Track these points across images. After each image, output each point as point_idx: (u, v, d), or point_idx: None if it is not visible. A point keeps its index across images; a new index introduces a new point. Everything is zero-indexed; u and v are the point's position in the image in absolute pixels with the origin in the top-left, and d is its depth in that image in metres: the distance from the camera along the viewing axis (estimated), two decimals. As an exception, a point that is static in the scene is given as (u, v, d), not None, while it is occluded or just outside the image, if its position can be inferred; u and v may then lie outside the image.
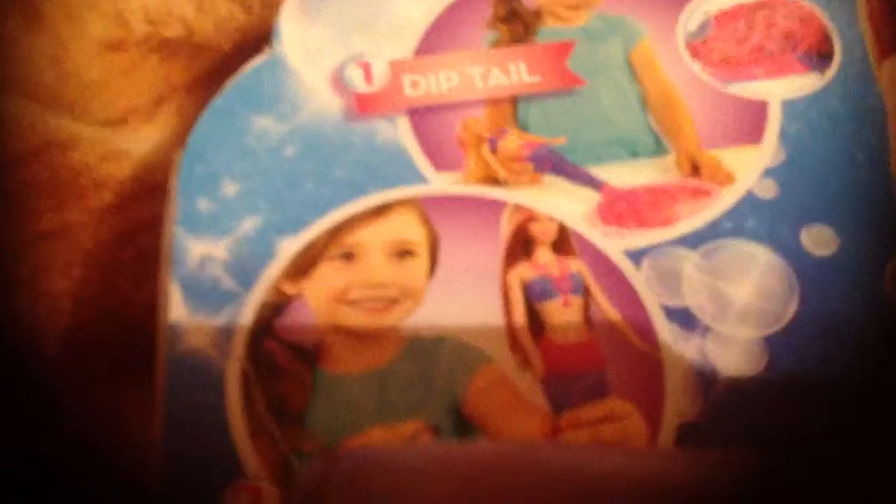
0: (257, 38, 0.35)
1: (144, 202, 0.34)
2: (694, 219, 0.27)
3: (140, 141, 0.35)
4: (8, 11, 0.37)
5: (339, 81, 0.29)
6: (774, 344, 0.25)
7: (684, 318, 0.26)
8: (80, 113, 0.36)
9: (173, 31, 0.36)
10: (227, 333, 0.26)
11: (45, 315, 0.33)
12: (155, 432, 0.24)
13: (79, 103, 0.36)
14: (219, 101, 0.30)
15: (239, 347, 0.25)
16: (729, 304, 0.26)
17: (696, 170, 0.28)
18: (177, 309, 0.26)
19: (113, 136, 0.35)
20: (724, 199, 0.27)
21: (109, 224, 0.34)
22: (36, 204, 0.34)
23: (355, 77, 0.29)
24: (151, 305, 0.31)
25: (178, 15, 0.36)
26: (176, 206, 0.28)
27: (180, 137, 0.33)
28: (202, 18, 0.36)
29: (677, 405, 0.25)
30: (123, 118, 0.36)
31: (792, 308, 0.26)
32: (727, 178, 0.28)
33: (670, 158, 0.28)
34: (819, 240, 0.27)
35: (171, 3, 0.36)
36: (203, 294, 0.26)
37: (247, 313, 0.26)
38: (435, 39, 0.30)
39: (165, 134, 0.35)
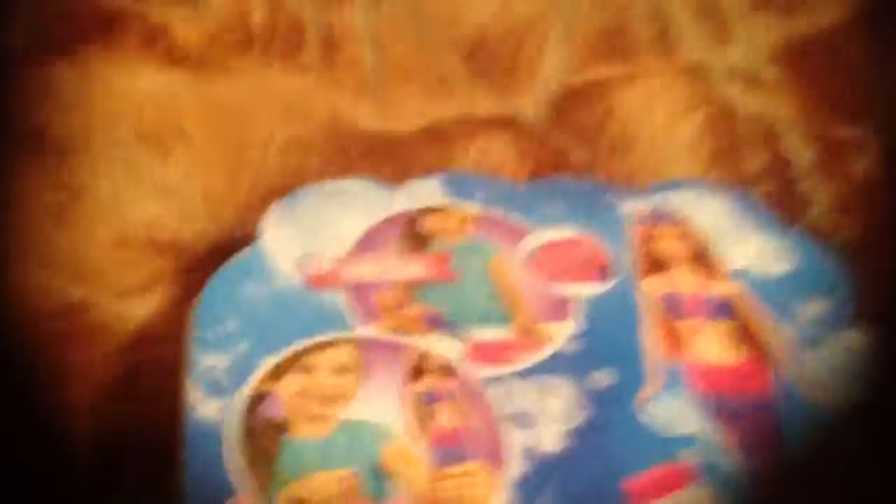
0: (226, 243, 0.51)
1: (145, 348, 0.48)
2: (526, 361, 0.44)
3: (143, 307, 0.49)
4: (39, 212, 0.52)
5: (300, 265, 0.45)
6: (570, 436, 0.41)
7: (519, 419, 0.41)
8: (94, 287, 0.50)
9: (162, 238, 0.51)
10: (226, 410, 0.40)
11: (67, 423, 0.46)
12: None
13: (93, 280, 0.50)
14: (221, 272, 0.45)
15: (235, 418, 0.39)
16: (546, 412, 0.42)
17: (528, 334, 0.45)
18: (193, 395, 0.40)
19: (121, 303, 0.49)
20: (546, 350, 0.44)
21: (121, 364, 0.47)
22: (62, 350, 0.48)
23: (311, 263, 0.45)
24: (155, 420, 0.45)
25: (168, 227, 0.51)
26: (192, 336, 0.42)
27: (175, 305, 0.48)
28: (184, 230, 0.52)
29: (511, 468, 0.40)
30: (129, 292, 0.50)
31: (582, 416, 0.42)
32: (548, 339, 0.44)
33: (512, 326, 0.45)
34: (601, 377, 0.43)
35: (163, 218, 0.52)
36: (211, 387, 0.40)
37: (239, 399, 0.40)
38: (365, 244, 0.47)
39: (163, 303, 0.49)
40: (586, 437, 0.41)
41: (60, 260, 0.50)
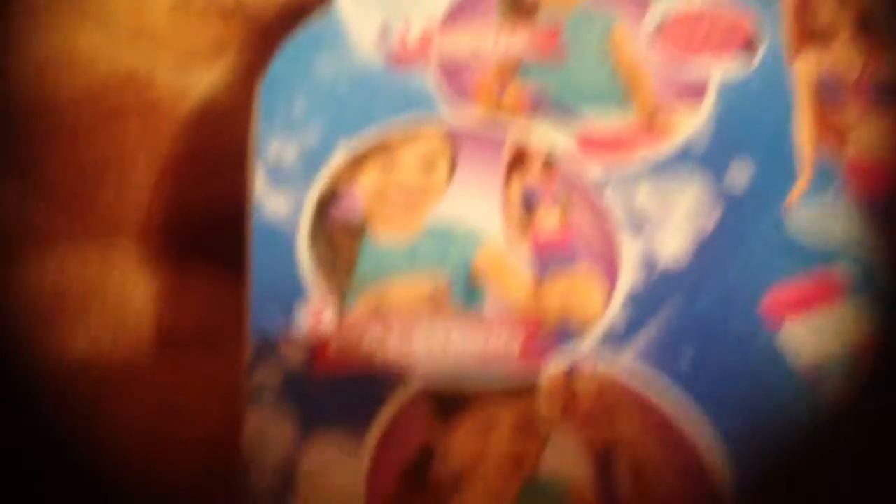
0: (297, 6, 0.44)
1: (205, 127, 0.43)
2: (648, 155, 0.37)
3: (205, 80, 0.43)
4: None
5: (382, 37, 0.38)
6: (699, 245, 0.35)
7: (637, 224, 0.35)
8: (152, 55, 0.44)
9: (226, 1, 0.44)
10: (296, 206, 0.34)
11: (126, 207, 0.41)
12: (246, 268, 0.33)
13: (152, 47, 0.44)
14: (290, 42, 0.38)
15: (306, 217, 0.34)
16: (670, 216, 0.35)
17: (652, 121, 0.37)
18: (260, 186, 0.34)
19: (181, 74, 0.44)
20: (671, 143, 0.37)
21: (182, 142, 0.42)
22: (125, 124, 0.43)
23: (396, 35, 0.38)
24: (212, 205, 0.40)
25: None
26: (258, 114, 0.36)
27: (240, 78, 0.42)
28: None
29: (627, 280, 0.34)
30: (189, 62, 0.44)
31: (713, 221, 0.35)
32: (674, 128, 0.37)
33: (633, 112, 0.38)
34: (738, 176, 0.36)
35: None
36: (279, 177, 0.35)
37: (311, 195, 0.35)
38: (458, 13, 0.39)
39: (225, 76, 0.43)
40: (718, 246, 0.34)
41: (117, 22, 0.44)
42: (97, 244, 0.40)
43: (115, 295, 0.39)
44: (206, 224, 0.40)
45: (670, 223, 0.35)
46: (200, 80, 0.43)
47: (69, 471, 0.34)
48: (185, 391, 0.36)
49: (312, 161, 0.35)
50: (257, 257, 0.33)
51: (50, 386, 0.35)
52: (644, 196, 0.36)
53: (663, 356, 0.32)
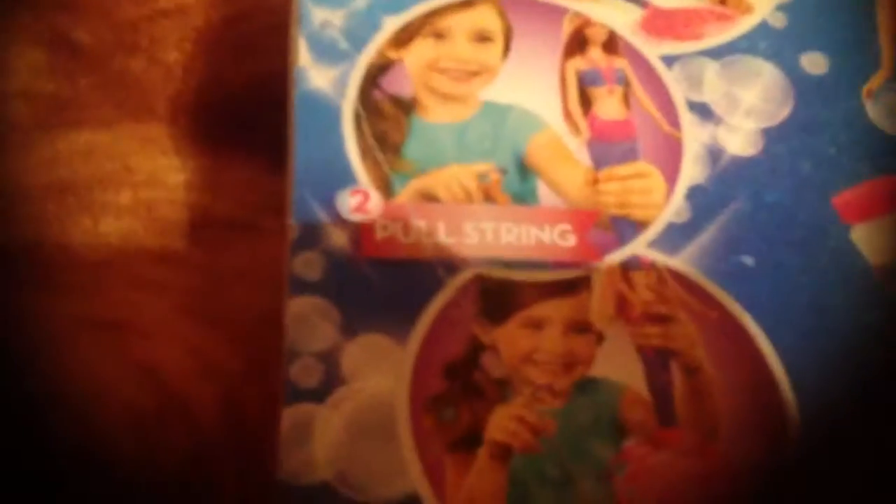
0: None
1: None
2: (718, 37, 0.34)
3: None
4: None
5: None
6: (770, 135, 0.32)
7: (703, 111, 0.33)
8: None
9: None
10: (342, 81, 0.32)
11: (158, 80, 0.39)
12: (288, 148, 0.31)
13: None
14: None
15: (352, 92, 0.32)
16: (738, 103, 0.33)
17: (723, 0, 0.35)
18: (304, 57, 0.32)
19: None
20: (744, 24, 0.34)
21: (217, 9, 0.40)
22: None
23: None
24: (249, 80, 0.38)
25: None
26: (301, -20, 0.34)
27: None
28: None
29: (690, 172, 0.32)
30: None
31: (787, 110, 0.33)
32: (747, 9, 0.34)
33: (703, -12, 0.35)
34: (813, 62, 0.34)
35: None
36: (324, 49, 0.32)
37: (358, 68, 0.32)
38: None
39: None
40: (790, 137, 0.32)
41: None
42: (128, 122, 0.38)
43: (146, 177, 0.37)
44: (242, 104, 0.38)
45: (739, 110, 0.33)
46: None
47: (99, 355, 0.33)
48: (221, 277, 0.35)
49: (359, 31, 0.33)
50: (299, 135, 0.31)
51: (81, 272, 0.34)
52: (710, 80, 0.33)
53: (727, 252, 0.30)
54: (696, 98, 0.33)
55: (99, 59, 0.39)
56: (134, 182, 0.37)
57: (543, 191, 0.31)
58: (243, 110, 0.38)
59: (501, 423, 0.28)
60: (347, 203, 0.30)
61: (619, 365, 0.29)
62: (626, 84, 0.33)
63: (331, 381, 0.28)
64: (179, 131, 0.38)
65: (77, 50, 0.39)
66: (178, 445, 0.32)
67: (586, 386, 0.28)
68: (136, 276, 0.35)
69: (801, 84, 0.33)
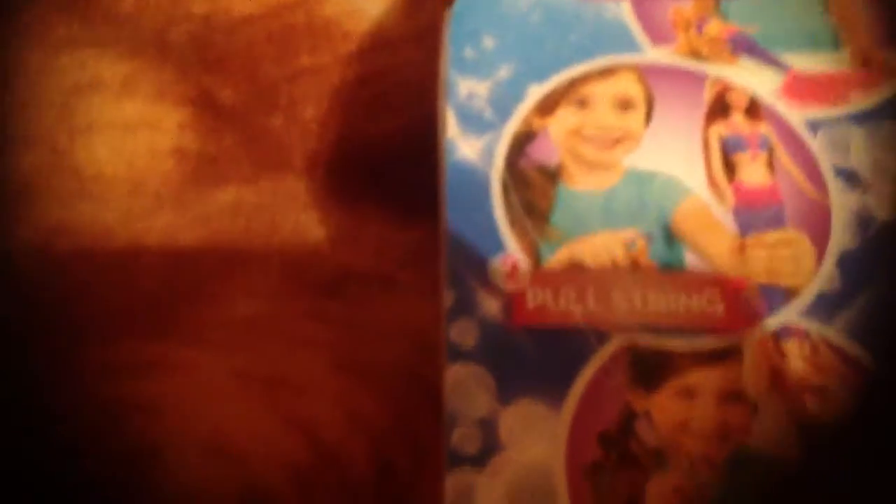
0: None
1: (378, 53, 0.41)
2: (863, 102, 0.34)
3: (374, 3, 0.42)
4: None
5: (574, -33, 0.36)
6: (920, 201, 0.32)
7: (850, 177, 0.33)
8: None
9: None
10: (489, 151, 0.33)
11: (296, 137, 0.41)
12: (441, 222, 0.32)
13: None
14: (477, -26, 0.36)
15: (500, 162, 0.33)
16: (886, 170, 0.33)
17: (866, 63, 0.35)
18: (452, 129, 0.33)
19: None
20: (889, 88, 0.34)
21: (353, 68, 0.41)
22: (296, 45, 0.42)
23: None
24: (384, 135, 0.39)
25: None
26: (448, 51, 0.35)
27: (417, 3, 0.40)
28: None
29: (840, 239, 0.32)
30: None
31: (936, 176, 0.33)
32: (892, 72, 0.34)
33: (845, 52, 0.35)
34: (963, 127, 0.33)
35: None
36: (471, 120, 0.33)
37: (504, 138, 0.33)
38: (654, -61, 0.37)
39: None
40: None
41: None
42: (268, 178, 0.40)
43: (290, 236, 0.39)
44: (380, 161, 0.39)
45: (887, 176, 0.33)
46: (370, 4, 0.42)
47: (255, 409, 0.34)
48: (366, 331, 0.36)
49: (505, 101, 0.34)
50: (451, 206, 0.32)
51: (234, 328, 0.36)
52: (857, 146, 0.33)
53: (882, 323, 0.30)
54: (843, 164, 0.33)
55: (241, 117, 0.41)
56: (281, 238, 0.38)
57: (690, 258, 0.32)
58: (377, 164, 0.39)
59: (659, 494, 0.28)
60: (499, 271, 0.31)
61: (775, 437, 0.29)
62: (769, 150, 0.33)
63: (489, 447, 0.28)
64: (316, 185, 0.39)
65: (221, 109, 0.41)
66: (334, 497, 0.33)
67: (744, 458, 0.28)
68: (286, 331, 0.36)
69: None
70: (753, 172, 0.33)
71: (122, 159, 0.40)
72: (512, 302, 0.30)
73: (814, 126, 0.34)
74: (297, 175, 0.40)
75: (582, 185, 0.33)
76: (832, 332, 0.30)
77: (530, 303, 0.30)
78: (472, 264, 0.31)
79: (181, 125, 0.40)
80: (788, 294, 0.31)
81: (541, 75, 0.34)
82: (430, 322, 0.32)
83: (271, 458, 0.34)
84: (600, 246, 0.32)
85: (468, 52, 0.35)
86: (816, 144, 0.33)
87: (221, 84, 0.41)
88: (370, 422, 0.34)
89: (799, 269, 0.31)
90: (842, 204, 0.32)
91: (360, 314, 0.36)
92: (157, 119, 0.41)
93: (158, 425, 0.35)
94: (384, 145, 0.40)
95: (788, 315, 0.31)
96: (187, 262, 0.38)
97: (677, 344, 0.30)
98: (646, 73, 0.34)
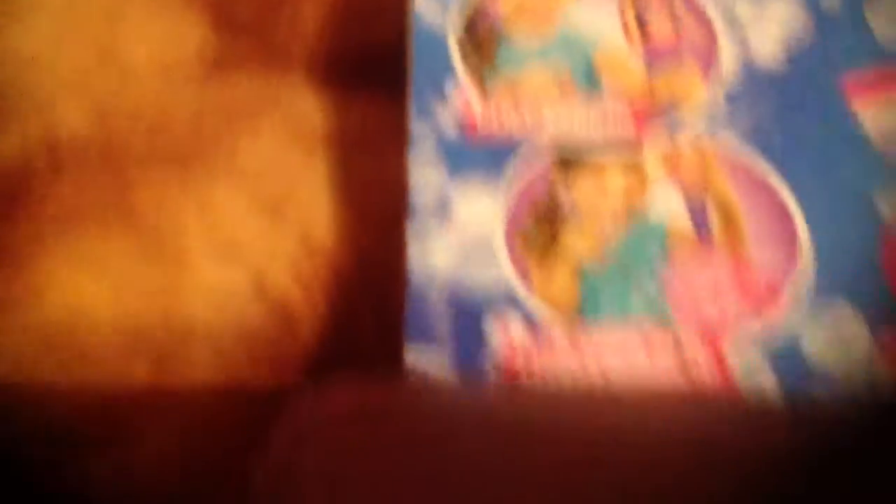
0: None
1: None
2: (746, -25, 0.43)
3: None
4: None
5: None
6: (792, 48, 0.41)
7: (734, 21, 0.41)
8: None
9: None
10: (449, 13, 0.42)
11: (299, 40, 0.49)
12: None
13: None
14: None
15: (456, 23, 0.42)
16: (765, 14, 0.42)
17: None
18: (419, 4, 0.42)
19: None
20: (767, -35, 0.43)
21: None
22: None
23: None
24: (375, 39, 0.48)
25: None
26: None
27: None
28: None
29: (727, 76, 0.40)
30: None
31: (807, 32, 0.41)
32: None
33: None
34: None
35: None
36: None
37: (461, 5, 0.42)
38: None
39: None
40: (809, 50, 0.40)
41: None
42: (274, 70, 0.48)
43: (289, 108, 0.47)
44: (366, 56, 0.48)
45: (764, 21, 0.41)
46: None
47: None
48: (356, 177, 0.44)
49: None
50: (416, 55, 0.41)
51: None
52: (743, 6, 0.42)
53: (753, 127, 0.39)
54: (729, 12, 0.41)
55: (250, 19, 0.49)
56: (282, 113, 0.47)
57: (607, 88, 0.40)
58: (367, 60, 0.48)
59: (574, 239, 0.36)
60: (452, 93, 0.40)
61: (667, 202, 0.37)
62: (673, 9, 0.42)
63: (444, 209, 0.37)
64: (316, 78, 0.48)
65: (234, 12, 0.49)
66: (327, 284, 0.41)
67: (641, 219, 0.37)
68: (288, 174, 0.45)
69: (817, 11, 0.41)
70: (659, 20, 0.42)
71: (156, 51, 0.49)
72: (464, 113, 0.39)
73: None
74: (296, 70, 0.48)
75: (522, 36, 0.42)
76: (717, 136, 0.39)
77: (480, 115, 0.39)
78: (431, 89, 0.40)
79: (202, 41, 0.49)
80: (685, 112, 0.39)
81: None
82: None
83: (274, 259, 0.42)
84: (535, 77, 0.40)
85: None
86: (710, 4, 0.42)
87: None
88: (356, 233, 0.42)
89: (693, 93, 0.40)
90: (727, 43, 0.41)
91: (349, 165, 0.45)
92: (177, 36, 0.50)
93: (183, 238, 0.43)
94: (373, 45, 0.49)
95: (684, 126, 0.39)
96: (213, 118, 0.46)
97: (595, 145, 0.39)
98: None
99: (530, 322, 0.35)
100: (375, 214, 0.43)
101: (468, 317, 0.34)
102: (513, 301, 0.35)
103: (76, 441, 0.39)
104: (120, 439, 0.39)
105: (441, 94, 0.40)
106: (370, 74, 0.47)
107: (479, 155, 0.38)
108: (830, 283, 0.35)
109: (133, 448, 0.39)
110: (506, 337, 0.34)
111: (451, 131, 0.39)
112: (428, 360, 0.34)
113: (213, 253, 0.43)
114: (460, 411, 0.28)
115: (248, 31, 0.50)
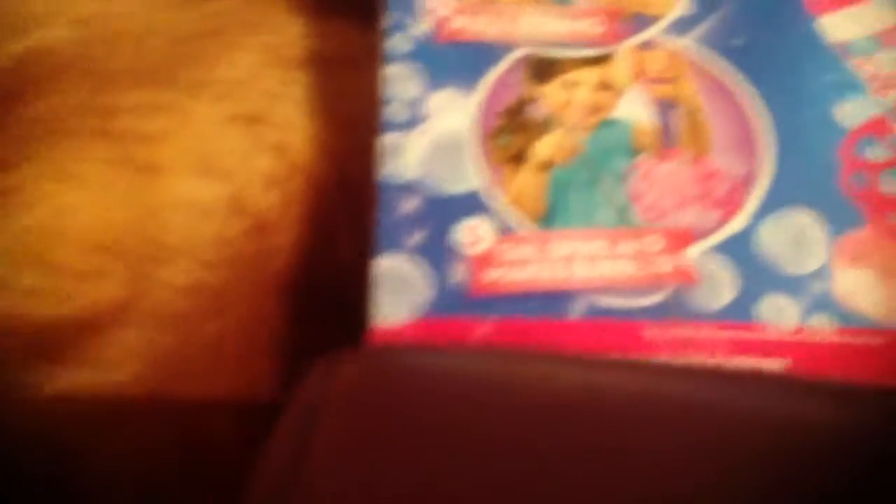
0: None
1: None
2: None
3: None
4: None
5: None
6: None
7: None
8: None
9: None
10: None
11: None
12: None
13: None
14: None
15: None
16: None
17: None
18: None
19: None
20: None
21: None
22: None
23: None
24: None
25: None
26: None
27: None
28: None
29: (695, -18, 0.41)
30: None
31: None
32: None
33: None
34: None
35: None
36: None
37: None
38: None
39: None
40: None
41: None
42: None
43: (270, 30, 0.48)
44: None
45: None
46: None
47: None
48: (332, 94, 0.45)
49: None
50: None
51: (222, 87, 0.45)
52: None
53: (721, 37, 0.39)
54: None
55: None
56: (261, 31, 0.48)
57: (579, -3, 0.41)
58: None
59: (544, 145, 0.37)
60: (428, 5, 0.40)
61: (635, 110, 0.38)
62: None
63: (417, 117, 0.38)
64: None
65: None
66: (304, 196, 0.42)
67: (609, 122, 0.38)
68: (266, 90, 0.46)
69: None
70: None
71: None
72: (439, 24, 0.40)
73: None
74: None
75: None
76: (685, 42, 0.39)
77: (453, 25, 0.40)
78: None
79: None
80: (654, 19, 0.40)
81: None
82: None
83: (252, 172, 0.43)
84: (509, -14, 0.41)
85: None
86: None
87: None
88: (334, 148, 0.43)
89: (661, 1, 0.40)
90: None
91: (326, 83, 0.45)
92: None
93: (162, 151, 0.44)
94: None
95: (652, 33, 0.40)
96: (192, 39, 0.47)
97: (566, 53, 0.39)
98: None
99: (501, 228, 0.36)
100: (352, 129, 0.44)
101: (439, 226, 0.35)
102: (483, 208, 0.36)
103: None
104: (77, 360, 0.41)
105: (414, 6, 0.40)
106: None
107: (453, 61, 0.39)
108: (791, 190, 0.36)
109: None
110: (476, 245, 0.35)
111: (425, 39, 0.39)
112: (399, 269, 0.35)
113: (191, 167, 0.44)
114: (475, 386, 0.25)
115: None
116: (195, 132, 0.45)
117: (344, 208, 0.43)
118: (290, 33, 0.48)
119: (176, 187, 0.44)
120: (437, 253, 0.35)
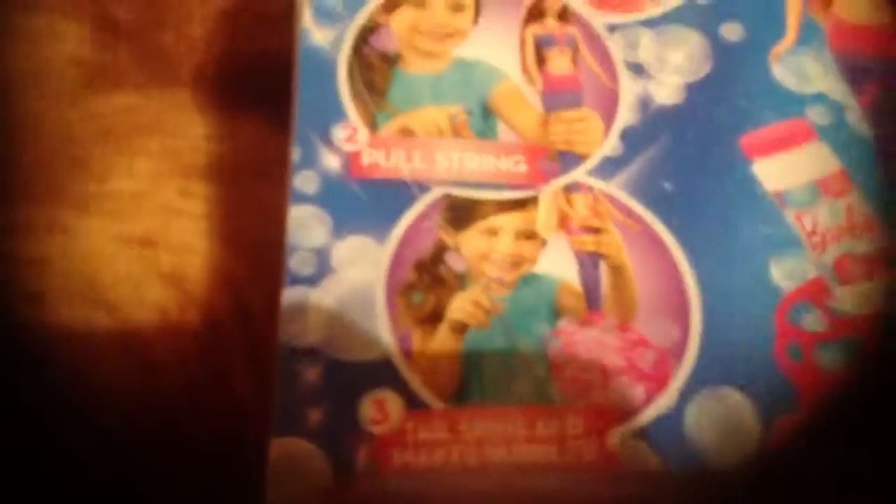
0: None
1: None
2: (653, 10, 0.41)
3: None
4: None
5: None
6: (692, 89, 0.39)
7: (637, 69, 0.39)
8: None
9: None
10: (339, 38, 0.39)
11: (184, 51, 0.46)
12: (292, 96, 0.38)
13: None
14: None
15: (347, 48, 0.39)
16: (667, 63, 0.40)
17: (658, -21, 0.41)
18: (308, 20, 0.39)
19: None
20: (673, 1, 0.41)
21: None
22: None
23: None
24: (262, 52, 0.45)
25: None
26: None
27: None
28: None
29: (624, 116, 0.38)
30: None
31: (707, 69, 0.39)
32: (677, -12, 0.41)
33: (642, -30, 0.42)
34: (731, 30, 0.40)
35: None
36: (325, 13, 0.39)
37: (353, 29, 0.39)
38: None
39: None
40: (709, 90, 0.39)
41: None
42: (158, 88, 0.45)
43: (173, 131, 0.44)
44: (255, 73, 0.45)
45: (667, 69, 0.39)
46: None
47: (134, 266, 0.40)
48: (236, 211, 0.41)
49: (355, 1, 0.40)
50: (303, 82, 0.38)
51: (120, 200, 0.41)
52: (646, 45, 0.40)
53: (650, 181, 0.37)
54: (633, 59, 0.40)
55: (135, 33, 0.46)
56: (163, 133, 0.44)
57: (503, 130, 0.38)
58: (255, 81, 0.45)
59: (460, 305, 0.34)
60: (340, 135, 0.37)
61: (558, 264, 0.35)
62: (574, 47, 0.40)
63: (323, 271, 0.34)
64: (201, 95, 0.45)
65: (117, 25, 0.46)
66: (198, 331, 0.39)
67: (530, 279, 0.35)
68: (164, 205, 0.42)
69: (720, 48, 0.40)
70: (560, 64, 0.40)
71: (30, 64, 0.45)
72: (349, 160, 0.36)
73: (612, 28, 0.40)
74: (183, 84, 0.45)
75: (416, 69, 0.39)
76: (611, 187, 0.37)
77: (365, 161, 0.36)
78: (318, 129, 0.37)
79: (79, 38, 0.45)
80: (580, 159, 0.38)
81: (386, -20, 0.40)
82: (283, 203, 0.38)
83: (143, 306, 0.39)
84: (428, 117, 0.38)
85: (325, -40, 0.40)
86: (612, 43, 0.40)
87: (118, 3, 0.46)
88: (232, 273, 0.39)
89: (590, 139, 0.38)
90: (628, 89, 0.39)
91: (229, 194, 0.42)
92: (57, 33, 0.46)
93: (45, 277, 0.40)
94: (261, 60, 0.45)
95: (578, 174, 0.37)
96: (79, 150, 0.43)
97: (486, 195, 0.36)
98: (476, -18, 0.41)
99: (410, 402, 0.33)
100: (253, 250, 0.41)
101: (343, 400, 0.32)
102: (392, 379, 0.33)
103: None
104: None
105: (326, 129, 0.37)
106: (258, 92, 0.44)
107: (363, 204, 0.36)
108: (721, 367, 0.34)
109: None
110: (382, 422, 0.32)
111: (334, 177, 0.36)
112: (297, 451, 0.32)
113: (73, 295, 0.40)
114: None
115: (130, 38, 0.46)
116: (81, 255, 0.41)
117: (240, 340, 0.40)
118: (194, 134, 0.44)
119: (55, 317, 0.40)
120: (340, 432, 0.32)
